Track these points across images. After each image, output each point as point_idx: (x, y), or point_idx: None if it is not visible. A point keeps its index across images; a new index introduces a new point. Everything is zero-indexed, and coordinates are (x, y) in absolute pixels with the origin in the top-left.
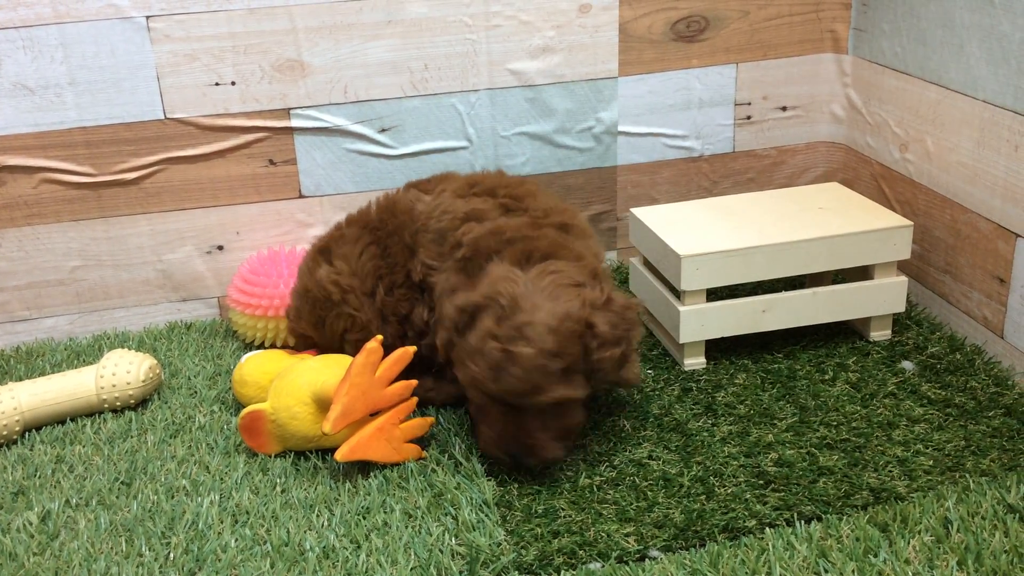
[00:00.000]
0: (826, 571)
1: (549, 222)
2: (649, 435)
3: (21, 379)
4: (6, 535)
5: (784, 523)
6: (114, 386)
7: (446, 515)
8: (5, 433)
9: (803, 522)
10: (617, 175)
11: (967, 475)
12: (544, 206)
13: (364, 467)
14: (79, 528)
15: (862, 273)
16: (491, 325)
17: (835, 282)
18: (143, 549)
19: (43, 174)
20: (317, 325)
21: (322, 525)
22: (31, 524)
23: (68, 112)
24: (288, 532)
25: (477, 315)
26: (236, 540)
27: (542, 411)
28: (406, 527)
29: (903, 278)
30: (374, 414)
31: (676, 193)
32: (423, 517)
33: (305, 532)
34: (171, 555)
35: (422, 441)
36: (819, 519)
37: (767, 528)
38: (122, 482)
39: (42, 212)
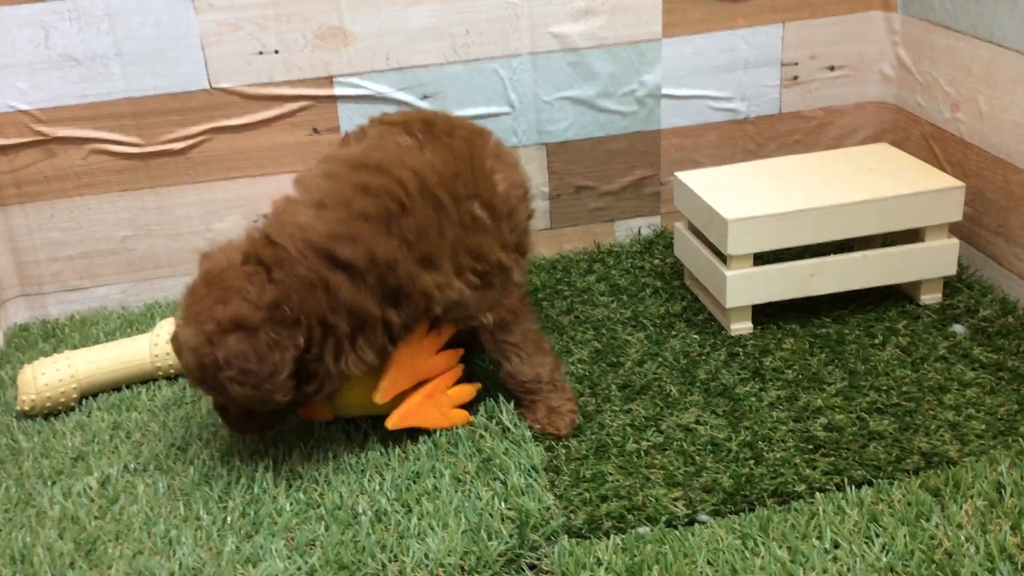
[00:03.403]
0: (877, 535)
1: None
2: (696, 400)
3: (76, 347)
4: (68, 499)
5: (834, 488)
6: (168, 354)
7: (495, 480)
8: (63, 400)
9: (854, 487)
10: (661, 139)
11: (1020, 439)
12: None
13: (413, 433)
14: (138, 492)
15: (912, 236)
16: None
17: (884, 245)
18: (201, 513)
19: (92, 145)
20: None
21: (374, 489)
22: (91, 488)
23: (115, 83)
24: (341, 496)
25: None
26: (291, 504)
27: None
28: (456, 491)
29: (954, 240)
30: (423, 382)
31: (721, 156)
32: (472, 482)
33: (358, 496)
34: (228, 519)
35: (469, 407)
36: (870, 484)
37: (817, 493)
38: (178, 447)
39: (92, 183)
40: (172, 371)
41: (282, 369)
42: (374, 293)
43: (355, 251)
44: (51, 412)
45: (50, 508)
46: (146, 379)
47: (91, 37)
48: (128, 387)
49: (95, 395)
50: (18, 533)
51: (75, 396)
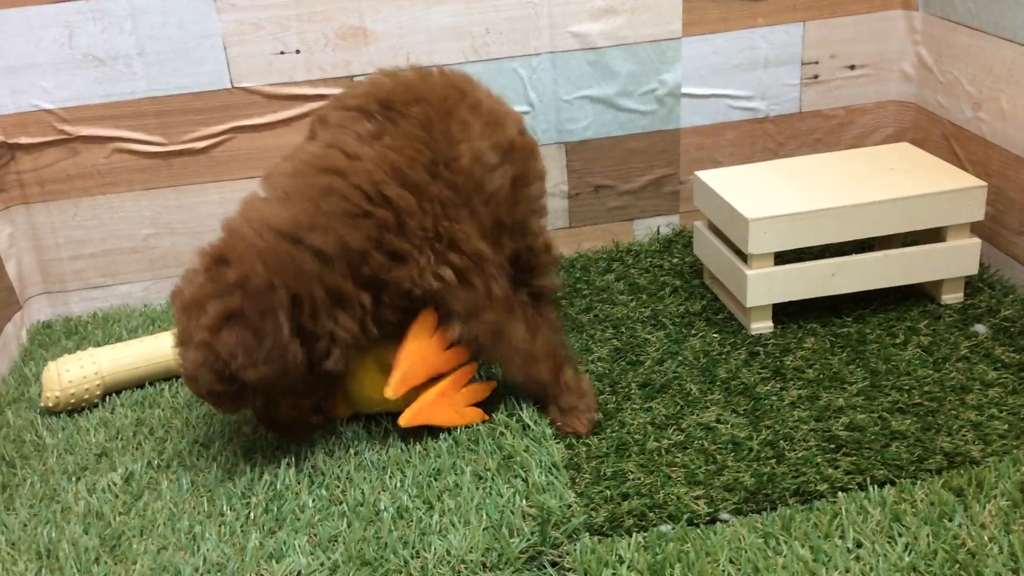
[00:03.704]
0: (900, 535)
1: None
2: (716, 399)
3: (99, 344)
4: (92, 495)
5: (856, 487)
6: None
7: (516, 477)
8: (87, 397)
9: (876, 486)
10: (680, 138)
11: None
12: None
13: (433, 430)
14: (162, 488)
15: (933, 235)
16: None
17: (904, 245)
18: (224, 509)
19: (115, 144)
20: None
21: (395, 486)
22: (115, 484)
23: (138, 82)
24: (363, 493)
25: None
26: (313, 500)
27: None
28: (477, 488)
29: (976, 240)
30: (437, 379)
31: (740, 156)
32: (493, 479)
33: (379, 493)
34: (251, 515)
35: (487, 405)
36: (892, 483)
37: (839, 492)
38: (201, 444)
39: (115, 181)
40: None
41: (281, 332)
42: (346, 276)
43: (325, 239)
44: (75, 409)
45: (75, 504)
46: (169, 376)
47: (114, 37)
48: (151, 384)
49: (118, 392)
50: (43, 528)
51: (99, 393)
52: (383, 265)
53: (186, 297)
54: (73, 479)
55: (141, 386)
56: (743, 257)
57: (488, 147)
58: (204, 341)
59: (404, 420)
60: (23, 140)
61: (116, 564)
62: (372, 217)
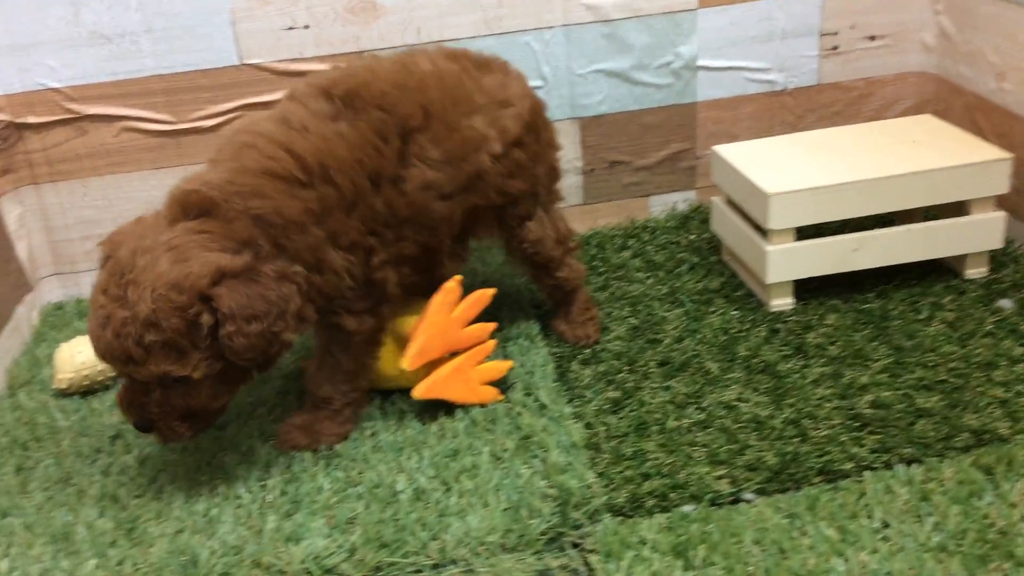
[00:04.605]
0: (928, 514)
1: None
2: (737, 377)
3: None
4: (107, 477)
5: (883, 466)
6: None
7: (534, 457)
8: (100, 379)
9: (903, 465)
10: (697, 112)
11: None
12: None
13: (450, 410)
14: (177, 471)
15: (955, 209)
16: (104, 279)
17: (926, 219)
18: (240, 491)
19: (123, 122)
20: None
21: (412, 467)
22: (131, 467)
23: (145, 60)
24: (379, 474)
25: (104, 264)
26: (330, 483)
27: (162, 385)
28: (495, 469)
29: (1001, 213)
30: (453, 355)
31: (758, 129)
32: (511, 459)
33: (396, 474)
34: (268, 497)
35: (503, 384)
36: (919, 462)
37: (865, 471)
38: (216, 427)
39: (124, 160)
40: None
41: (291, 301)
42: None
43: (263, 204)
44: (88, 391)
45: (89, 486)
46: None
47: (121, 14)
48: None
49: None
50: (58, 511)
51: (111, 375)
52: (320, 244)
53: (141, 239)
54: (88, 462)
55: None
56: (763, 233)
57: (444, 180)
58: (181, 286)
59: (418, 392)
60: (31, 119)
61: (133, 547)
62: (312, 189)
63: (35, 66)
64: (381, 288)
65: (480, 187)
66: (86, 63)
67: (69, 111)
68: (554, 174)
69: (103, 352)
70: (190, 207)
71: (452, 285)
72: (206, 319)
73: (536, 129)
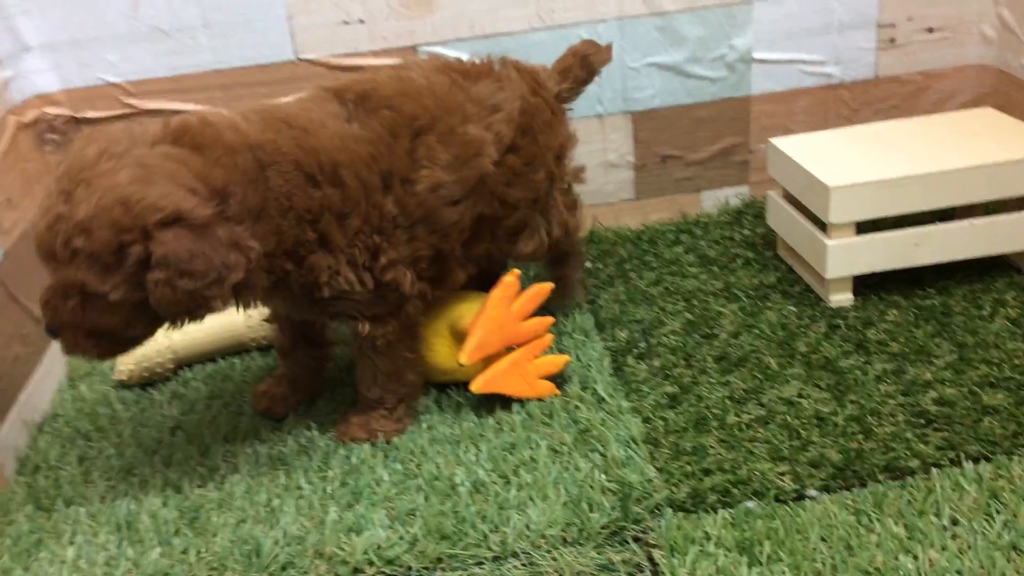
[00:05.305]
0: (998, 512)
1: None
2: (797, 373)
3: None
4: (168, 468)
5: (949, 463)
6: (261, 324)
7: (593, 451)
8: (160, 371)
9: (970, 462)
10: (751, 105)
11: None
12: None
13: (506, 403)
14: (238, 462)
15: (1017, 204)
16: (63, 170)
17: (986, 213)
18: (301, 482)
19: None
20: None
21: (470, 460)
22: (192, 458)
23: (203, 55)
24: (438, 467)
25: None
26: (389, 474)
27: (81, 294)
28: (553, 463)
29: None
30: (510, 349)
31: (813, 123)
32: (570, 453)
33: (454, 467)
34: (328, 488)
35: (559, 378)
36: (987, 459)
37: (932, 468)
38: (274, 420)
39: None
40: (265, 341)
41: (234, 271)
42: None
43: (272, 158)
44: (148, 382)
45: (152, 476)
46: (240, 350)
47: (179, 8)
48: (223, 358)
49: (190, 365)
50: (122, 501)
51: (171, 367)
52: (310, 243)
53: (113, 141)
54: (149, 452)
55: (212, 359)
56: (822, 227)
57: (453, 183)
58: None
59: (475, 386)
60: (91, 114)
61: (196, 536)
62: (320, 188)
63: (95, 61)
64: (395, 290)
65: (484, 193)
66: (145, 58)
67: (128, 106)
68: (555, 178)
69: (35, 242)
70: (183, 134)
71: (511, 279)
72: (136, 250)
73: (531, 131)
